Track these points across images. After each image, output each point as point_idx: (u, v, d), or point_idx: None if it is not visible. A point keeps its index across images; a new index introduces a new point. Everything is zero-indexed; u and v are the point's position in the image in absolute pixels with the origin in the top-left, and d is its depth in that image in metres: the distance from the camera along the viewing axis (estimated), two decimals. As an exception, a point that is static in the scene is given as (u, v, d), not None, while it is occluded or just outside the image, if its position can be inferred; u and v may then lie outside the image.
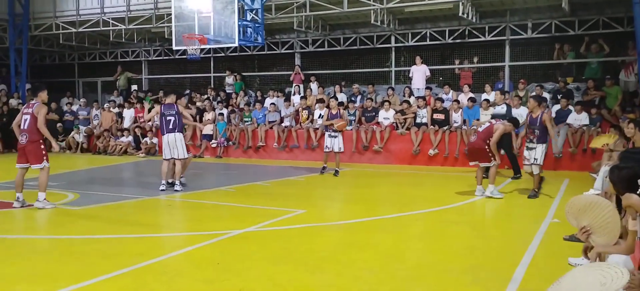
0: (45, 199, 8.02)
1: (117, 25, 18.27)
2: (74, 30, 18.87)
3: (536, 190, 8.92)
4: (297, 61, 18.54)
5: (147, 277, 4.89)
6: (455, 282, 4.81)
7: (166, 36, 17.73)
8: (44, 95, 8.24)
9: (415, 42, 16.71)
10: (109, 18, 18.35)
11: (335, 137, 11.98)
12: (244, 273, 4.99)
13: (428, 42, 16.53)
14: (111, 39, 19.18)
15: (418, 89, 15.57)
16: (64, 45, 20.74)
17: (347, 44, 17.66)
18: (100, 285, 4.64)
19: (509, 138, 10.60)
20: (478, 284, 4.75)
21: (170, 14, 15.68)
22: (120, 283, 4.73)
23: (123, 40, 19.27)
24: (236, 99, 17.98)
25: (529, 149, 8.87)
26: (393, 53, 17.33)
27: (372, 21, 15.36)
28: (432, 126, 14.08)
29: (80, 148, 18.25)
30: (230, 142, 16.63)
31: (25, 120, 8.10)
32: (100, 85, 22.69)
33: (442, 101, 14.54)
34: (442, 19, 16.32)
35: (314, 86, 17.04)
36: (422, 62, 15.77)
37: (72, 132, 18.45)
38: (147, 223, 7.46)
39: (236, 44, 15.07)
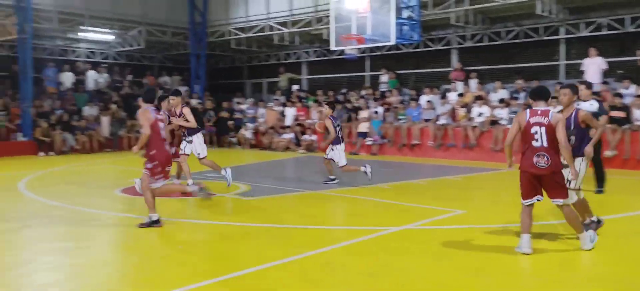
0: (192, 183, 8.90)
1: (281, 29, 19.53)
2: (243, 35, 20.60)
3: (593, 220, 6.18)
4: (455, 57, 18.06)
5: (311, 266, 5.18)
6: (642, 299, 4.31)
7: (325, 37, 18.49)
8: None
9: (590, 32, 15.21)
10: (274, 23, 19.71)
11: (333, 150, 10.23)
12: (404, 270, 5.03)
13: (604, 32, 14.94)
14: (275, 42, 20.55)
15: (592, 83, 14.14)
16: (235, 50, 22.74)
17: (509, 37, 16.73)
18: (271, 270, 5.03)
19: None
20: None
21: (329, 16, 16.34)
22: (288, 269, 5.08)
23: (285, 43, 20.54)
24: (391, 96, 18.09)
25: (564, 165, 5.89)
26: (562, 45, 16.00)
27: (539, 12, 14.34)
28: (609, 125, 12.68)
29: (249, 144, 19.88)
30: (385, 140, 16.78)
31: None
32: (265, 85, 24.48)
33: (621, 96, 13.02)
34: (621, 5, 14.63)
35: (473, 82, 16.44)
36: (597, 54, 14.28)
37: (241, 129, 20.17)
38: (309, 215, 7.87)
39: (392, 42, 15.18)
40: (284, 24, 19.49)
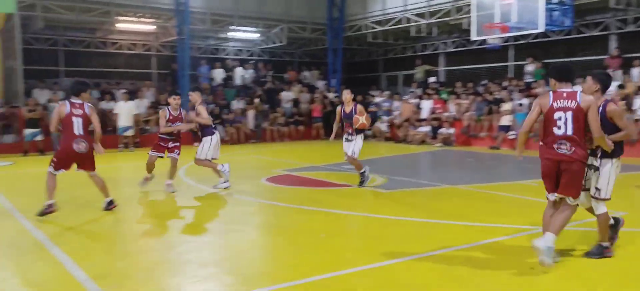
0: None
1: (418, 21, 19.23)
2: (380, 28, 20.65)
3: (603, 245, 5.11)
4: (613, 43, 16.34)
5: (453, 262, 5.06)
6: None
7: (464, 27, 17.84)
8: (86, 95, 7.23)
9: None
10: (411, 14, 19.47)
11: (352, 141, 9.08)
12: (559, 272, 4.70)
13: None
14: (412, 34, 20.28)
15: None
16: (371, 43, 22.90)
17: (682, 18, 14.72)
18: (413, 263, 5.01)
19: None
20: None
21: (470, 5, 15.72)
22: (428, 263, 5.02)
23: (423, 34, 20.18)
24: (537, 87, 16.89)
25: (589, 167, 5.03)
26: None
27: None
28: None
29: (384, 137, 19.92)
30: (531, 134, 15.72)
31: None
32: (401, 78, 24.32)
33: None
34: None
35: (636, 70, 14.75)
36: None
37: (377, 122, 20.27)
38: (447, 210, 7.68)
39: (540, 30, 14.21)
40: (421, 15, 19.17)
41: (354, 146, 9.02)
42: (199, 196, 8.77)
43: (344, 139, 9.18)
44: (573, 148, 4.72)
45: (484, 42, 17.06)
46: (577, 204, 4.97)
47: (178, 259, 5.35)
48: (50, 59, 20.07)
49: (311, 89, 22.72)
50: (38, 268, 4.99)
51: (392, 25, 20.25)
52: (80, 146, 6.81)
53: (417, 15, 19.34)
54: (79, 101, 6.90)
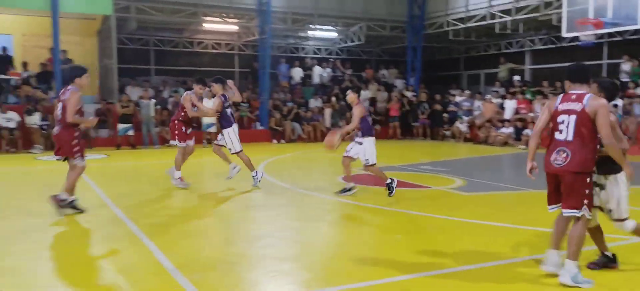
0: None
1: (504, 17, 18.49)
2: (462, 25, 20.06)
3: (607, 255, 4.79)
4: None
5: (536, 269, 4.83)
6: None
7: (553, 23, 16.94)
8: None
9: None
10: (496, 11, 18.75)
11: (361, 144, 8.32)
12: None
13: None
14: (497, 31, 19.53)
15: None
16: (452, 41, 22.31)
17: None
18: (498, 269, 4.85)
19: None
20: None
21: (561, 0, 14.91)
22: (515, 270, 4.82)
23: (508, 31, 19.38)
24: (634, 88, 15.74)
25: (595, 184, 4.53)
26: None
27: None
28: None
29: (464, 137, 19.36)
30: (626, 137, 14.68)
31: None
32: (483, 77, 23.51)
33: None
34: None
35: None
36: None
37: (456, 122, 19.74)
38: (532, 215, 7.31)
39: (639, 26, 13.21)
40: (507, 12, 18.41)
41: (365, 151, 8.27)
42: (276, 192, 8.96)
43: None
44: (570, 157, 4.28)
45: (574, 39, 16.11)
46: (587, 217, 4.43)
47: (257, 253, 5.49)
48: (142, 58, 21.36)
49: (389, 87, 22.51)
50: (129, 255, 5.31)
51: (476, 22, 19.61)
52: (54, 129, 7.00)
53: (503, 11, 18.59)
54: (70, 87, 6.81)
